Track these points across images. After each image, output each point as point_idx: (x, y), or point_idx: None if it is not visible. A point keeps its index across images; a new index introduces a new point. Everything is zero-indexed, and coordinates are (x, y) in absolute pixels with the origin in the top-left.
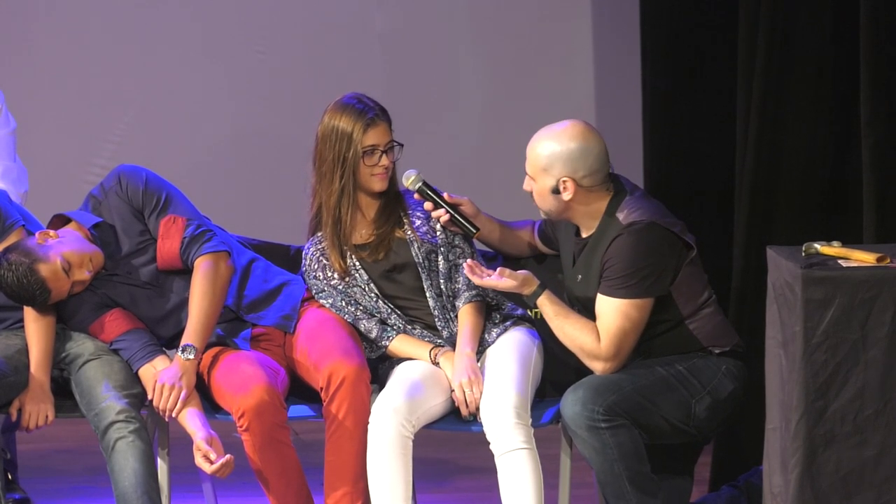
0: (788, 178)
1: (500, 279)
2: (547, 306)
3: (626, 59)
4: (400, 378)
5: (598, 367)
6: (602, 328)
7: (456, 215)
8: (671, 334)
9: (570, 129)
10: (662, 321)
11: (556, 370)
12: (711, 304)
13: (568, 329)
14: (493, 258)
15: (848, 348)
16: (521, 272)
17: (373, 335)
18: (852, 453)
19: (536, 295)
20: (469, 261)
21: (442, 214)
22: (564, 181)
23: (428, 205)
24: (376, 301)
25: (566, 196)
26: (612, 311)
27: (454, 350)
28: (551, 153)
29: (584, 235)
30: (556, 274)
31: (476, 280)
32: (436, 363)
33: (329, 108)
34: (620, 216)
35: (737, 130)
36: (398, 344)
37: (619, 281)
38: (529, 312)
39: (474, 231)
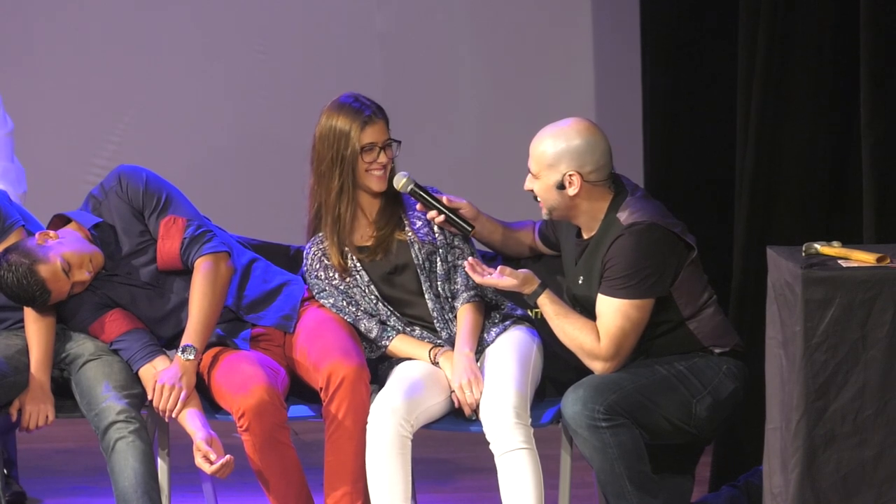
0: (788, 178)
1: (501, 278)
2: (547, 305)
3: (626, 59)
4: (399, 378)
5: (597, 366)
6: (602, 328)
7: (450, 215)
8: (672, 335)
9: (575, 124)
10: (663, 322)
11: (557, 370)
12: (712, 305)
13: (568, 329)
14: (493, 258)
15: (848, 348)
16: (522, 271)
17: (373, 335)
18: (852, 453)
19: (537, 294)
20: (470, 259)
21: (435, 215)
22: (570, 175)
23: (420, 206)
24: (376, 303)
25: (571, 191)
26: (613, 311)
27: (454, 350)
28: (558, 149)
29: (585, 237)
30: (555, 275)
31: (477, 278)
32: (435, 363)
33: (326, 108)
34: (621, 217)
35: (737, 130)
36: (398, 344)
37: (619, 281)
38: (529, 312)
39: (469, 229)
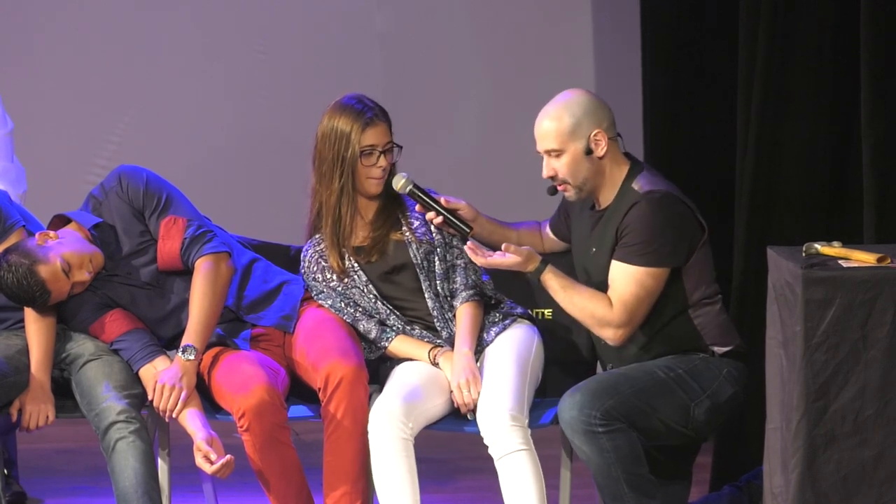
0: (788, 178)
1: (505, 256)
2: (552, 280)
3: (626, 59)
4: (397, 381)
5: (609, 333)
6: (615, 295)
7: (449, 216)
8: (676, 324)
9: (573, 92)
10: (670, 303)
11: (557, 370)
12: (718, 302)
13: (577, 300)
14: None
15: (848, 348)
16: (525, 248)
17: (372, 336)
18: (852, 453)
19: (540, 271)
20: (469, 242)
21: (434, 216)
22: (596, 134)
23: (419, 207)
24: (375, 302)
25: (600, 151)
26: (628, 277)
27: (453, 349)
28: (576, 116)
29: (600, 207)
30: None
31: (479, 260)
32: (435, 364)
33: (329, 108)
34: (636, 186)
35: (737, 130)
36: (397, 344)
37: (637, 248)
38: (530, 311)
39: (468, 230)
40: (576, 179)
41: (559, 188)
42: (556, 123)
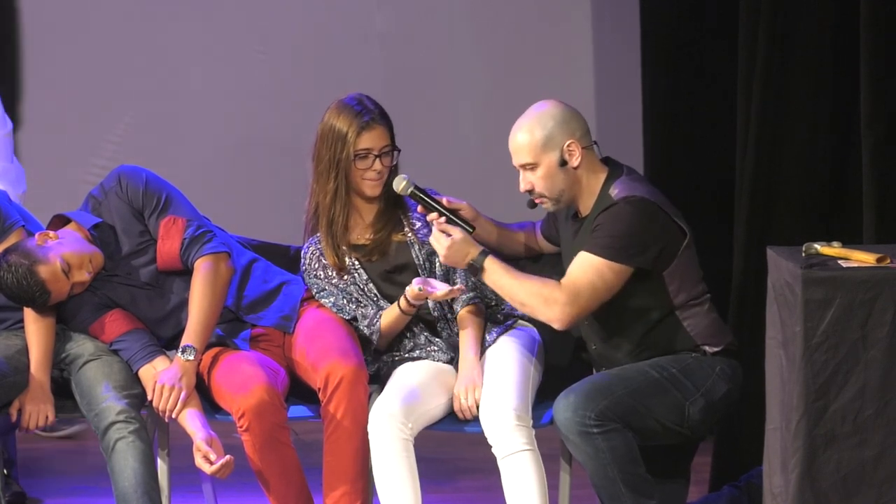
0: (788, 178)
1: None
2: (494, 264)
3: (626, 59)
4: (397, 382)
5: (555, 312)
6: (569, 277)
7: (451, 216)
8: (664, 326)
9: (545, 104)
10: (655, 308)
11: (557, 371)
12: (706, 302)
13: (525, 281)
14: None
15: (848, 348)
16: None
17: (366, 322)
18: (852, 453)
19: (480, 261)
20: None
21: (436, 217)
22: (569, 145)
23: (421, 208)
24: (377, 301)
25: (574, 162)
26: (588, 265)
27: (459, 353)
28: (548, 129)
29: (582, 216)
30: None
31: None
32: (411, 305)
33: (331, 106)
34: (613, 193)
35: (737, 130)
36: (384, 320)
37: (604, 240)
38: None
39: (470, 231)
40: (552, 192)
41: (537, 201)
42: (529, 137)
